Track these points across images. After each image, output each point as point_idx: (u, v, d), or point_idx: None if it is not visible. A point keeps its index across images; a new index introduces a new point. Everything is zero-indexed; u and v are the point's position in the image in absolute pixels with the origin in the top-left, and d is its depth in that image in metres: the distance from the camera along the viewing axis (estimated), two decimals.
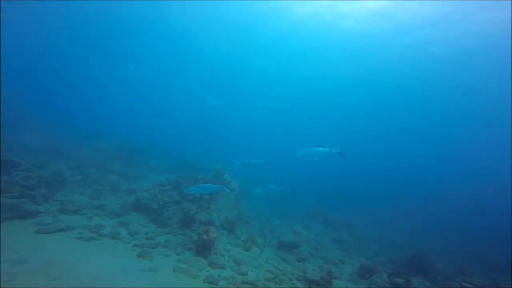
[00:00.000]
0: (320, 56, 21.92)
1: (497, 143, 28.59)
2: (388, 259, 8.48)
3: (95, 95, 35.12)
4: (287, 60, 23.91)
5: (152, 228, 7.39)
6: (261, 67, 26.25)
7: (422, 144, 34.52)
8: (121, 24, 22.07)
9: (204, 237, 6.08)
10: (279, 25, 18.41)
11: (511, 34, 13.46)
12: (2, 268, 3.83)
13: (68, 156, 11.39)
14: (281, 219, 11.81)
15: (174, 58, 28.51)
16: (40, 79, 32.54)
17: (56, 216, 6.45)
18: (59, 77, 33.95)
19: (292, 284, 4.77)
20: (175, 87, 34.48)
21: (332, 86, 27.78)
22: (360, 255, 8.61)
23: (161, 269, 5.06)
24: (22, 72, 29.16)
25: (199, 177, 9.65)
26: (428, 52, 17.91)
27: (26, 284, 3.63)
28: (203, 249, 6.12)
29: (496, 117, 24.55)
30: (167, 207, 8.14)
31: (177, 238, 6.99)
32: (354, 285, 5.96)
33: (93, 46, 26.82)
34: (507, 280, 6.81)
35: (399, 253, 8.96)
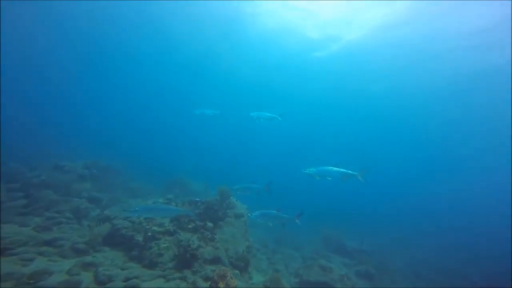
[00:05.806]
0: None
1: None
2: None
3: (59, 105, 30.79)
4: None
5: (134, 270, 5.21)
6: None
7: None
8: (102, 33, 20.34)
9: (220, 286, 4.21)
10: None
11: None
12: None
13: (10, 176, 8.58)
14: (290, 248, 9.99)
15: (152, 69, 26.61)
16: None
17: None
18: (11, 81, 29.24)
19: None
20: (154, 97, 32.05)
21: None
22: None
23: None
24: None
25: (197, 199, 7.78)
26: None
27: None
28: None
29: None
30: (156, 240, 6.06)
31: (172, 284, 4.96)
32: None
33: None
34: None
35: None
